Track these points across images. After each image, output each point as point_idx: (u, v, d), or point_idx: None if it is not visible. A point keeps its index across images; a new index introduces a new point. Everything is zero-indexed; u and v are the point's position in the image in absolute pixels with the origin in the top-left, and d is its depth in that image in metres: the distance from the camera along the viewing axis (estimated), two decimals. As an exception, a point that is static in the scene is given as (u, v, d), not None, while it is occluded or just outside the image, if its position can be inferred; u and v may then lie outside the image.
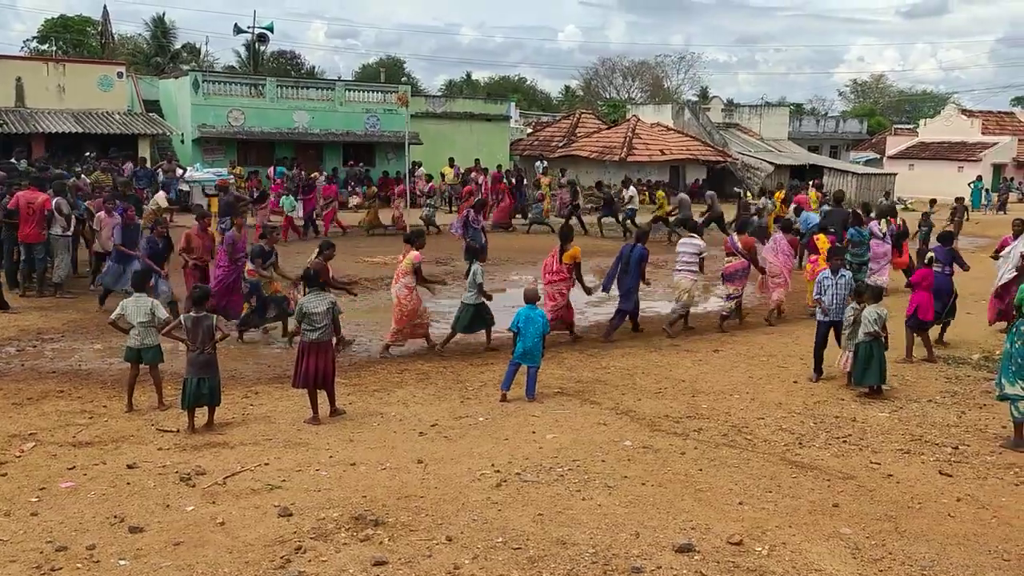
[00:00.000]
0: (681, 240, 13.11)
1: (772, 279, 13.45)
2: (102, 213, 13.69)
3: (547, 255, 12.16)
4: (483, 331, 11.35)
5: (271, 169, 27.68)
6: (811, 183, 30.23)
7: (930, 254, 11.62)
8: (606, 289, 12.48)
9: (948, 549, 5.67)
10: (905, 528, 5.97)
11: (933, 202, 26.21)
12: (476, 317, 11.11)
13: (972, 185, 37.89)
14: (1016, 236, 12.28)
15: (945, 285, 11.54)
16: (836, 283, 10.01)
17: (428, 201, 24.22)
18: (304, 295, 8.34)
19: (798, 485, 6.70)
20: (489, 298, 11.20)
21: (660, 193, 25.01)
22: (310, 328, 8.05)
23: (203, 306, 8.06)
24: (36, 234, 13.47)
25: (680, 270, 12.47)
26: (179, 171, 25.14)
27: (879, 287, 10.74)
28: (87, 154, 23.31)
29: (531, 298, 9.34)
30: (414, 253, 10.85)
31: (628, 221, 23.70)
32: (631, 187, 25.19)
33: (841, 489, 6.65)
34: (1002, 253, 12.44)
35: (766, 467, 7.08)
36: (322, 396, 8.20)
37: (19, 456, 7.02)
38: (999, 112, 52.70)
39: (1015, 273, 11.75)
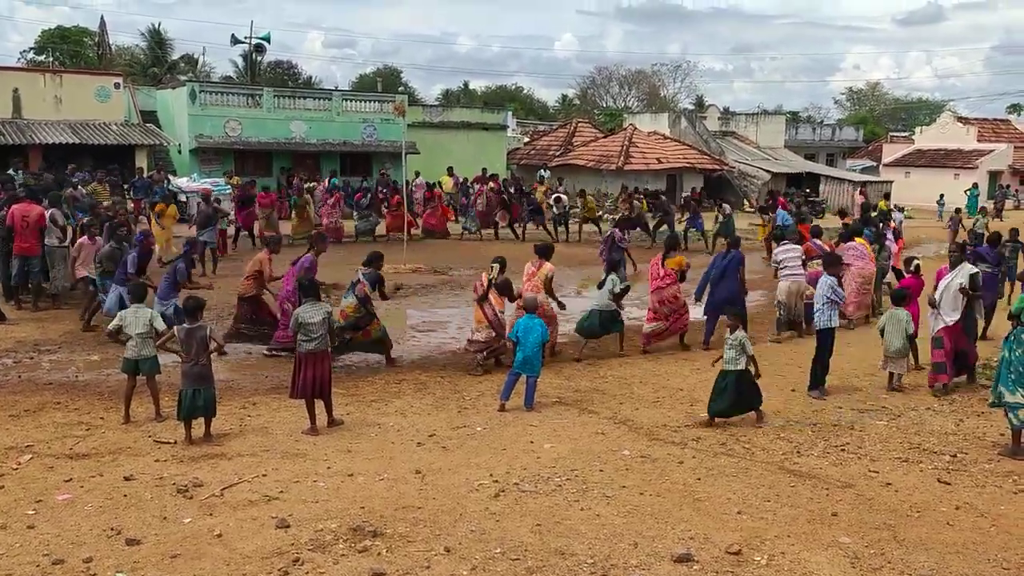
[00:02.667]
0: (782, 247, 13.22)
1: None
2: (84, 238, 13.16)
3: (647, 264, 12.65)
4: (604, 336, 11.81)
5: (325, 182, 27.13)
6: (859, 190, 31.24)
7: (917, 261, 11.68)
8: (698, 297, 12.50)
9: (947, 558, 5.66)
10: (904, 537, 5.96)
11: (958, 210, 26.61)
12: (602, 323, 11.51)
13: (968, 193, 38.01)
14: (953, 266, 10.18)
15: (991, 285, 12.25)
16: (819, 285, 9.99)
17: (469, 212, 24.56)
18: (300, 304, 8.33)
19: (796, 494, 6.70)
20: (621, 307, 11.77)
21: (589, 197, 25.71)
22: (306, 338, 8.04)
23: (196, 318, 8.05)
24: (32, 247, 13.40)
25: (787, 276, 12.75)
26: (165, 181, 24.97)
27: (740, 310, 10.09)
28: (70, 166, 23.20)
29: (530, 307, 9.35)
30: (549, 265, 11.26)
31: (559, 225, 24.67)
32: (561, 193, 26.03)
33: (840, 498, 6.64)
34: (939, 287, 10.17)
35: (764, 476, 7.08)
36: (320, 406, 8.18)
37: (16, 468, 7.00)
38: (995, 120, 52.90)
39: (957, 316, 9.87)
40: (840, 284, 9.96)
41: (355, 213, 23.94)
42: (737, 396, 8.52)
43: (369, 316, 10.68)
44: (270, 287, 11.51)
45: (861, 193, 30.80)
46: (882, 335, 10.18)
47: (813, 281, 12.49)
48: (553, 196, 25.58)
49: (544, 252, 11.49)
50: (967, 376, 10.30)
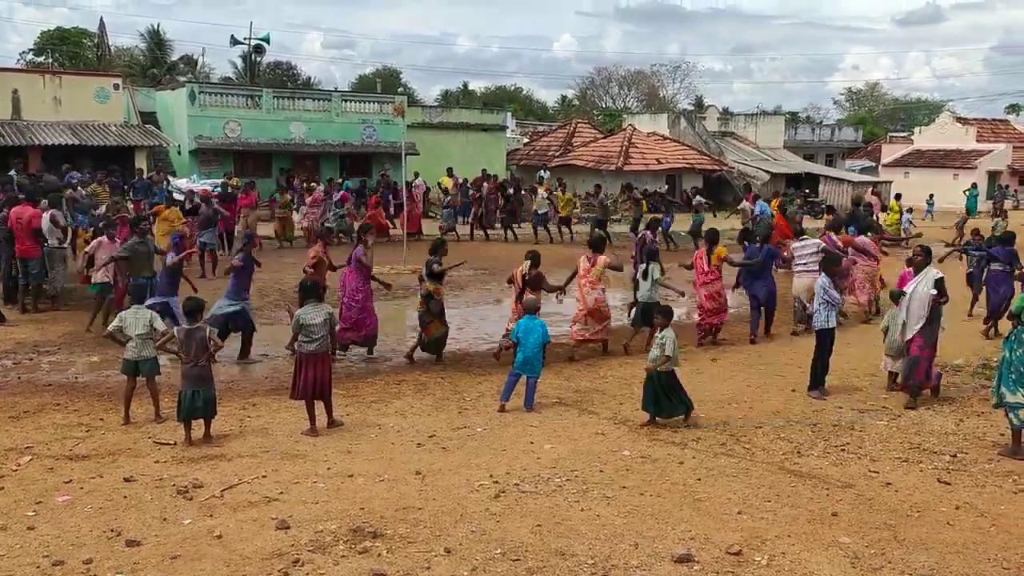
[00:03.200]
0: (800, 242, 13.42)
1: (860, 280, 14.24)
2: (103, 237, 12.75)
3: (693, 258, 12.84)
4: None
5: (324, 183, 27.40)
6: (871, 190, 31.59)
7: (918, 258, 11.62)
8: (746, 288, 13.05)
9: (947, 557, 5.66)
10: (904, 536, 5.96)
11: (970, 211, 26.73)
12: (647, 314, 11.48)
13: (967, 193, 38.00)
14: (918, 270, 9.66)
15: (1005, 282, 12.82)
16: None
17: (443, 212, 24.42)
18: (301, 306, 8.33)
19: (797, 494, 6.70)
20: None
21: (570, 195, 25.65)
22: (307, 340, 8.04)
23: (196, 318, 8.05)
24: (31, 248, 13.38)
25: (802, 272, 12.88)
26: (165, 182, 24.92)
27: (669, 308, 9.56)
28: (64, 166, 23.18)
29: (531, 308, 9.36)
30: (603, 258, 11.47)
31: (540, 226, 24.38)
32: (539, 190, 25.96)
33: (840, 498, 6.64)
34: (906, 290, 9.67)
35: (765, 476, 7.08)
36: (319, 407, 8.18)
37: (15, 470, 7.00)
38: (994, 120, 52.90)
39: (924, 320, 9.36)
40: (834, 286, 9.93)
41: (331, 214, 23.39)
42: (666, 398, 8.51)
43: (431, 314, 10.95)
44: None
45: (874, 193, 30.81)
46: (885, 335, 10.20)
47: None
48: (540, 197, 25.51)
49: (597, 246, 11.72)
50: (909, 394, 9.43)
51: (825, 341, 9.73)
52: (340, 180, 27.87)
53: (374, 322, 11.33)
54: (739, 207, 25.10)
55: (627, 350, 11.65)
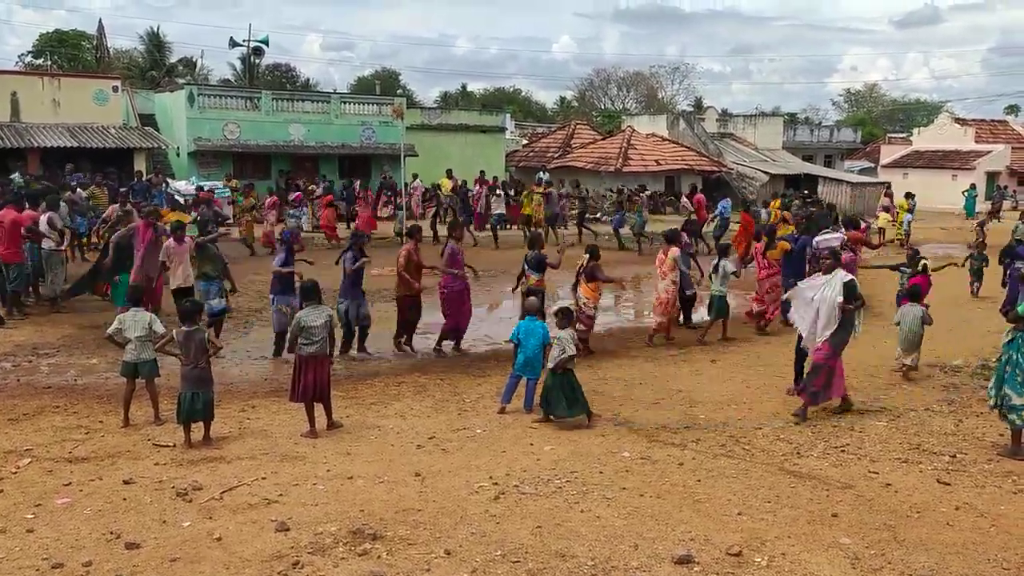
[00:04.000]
0: (822, 235, 13.74)
1: None
2: (171, 242, 11.73)
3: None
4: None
5: (357, 184, 28.19)
6: (884, 191, 31.74)
7: (924, 261, 11.67)
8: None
9: (947, 558, 5.66)
10: (904, 537, 5.96)
11: (990, 212, 26.83)
12: (720, 308, 12.51)
13: (966, 193, 38.03)
14: (826, 273, 9.11)
15: None
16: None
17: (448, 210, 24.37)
18: (302, 308, 8.33)
19: (796, 495, 6.69)
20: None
21: (535, 195, 25.01)
22: (307, 342, 8.03)
23: (195, 320, 8.05)
24: (12, 254, 12.98)
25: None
26: (164, 184, 24.85)
27: (569, 309, 9.80)
28: (68, 166, 23.16)
29: (531, 310, 9.35)
30: (675, 249, 12.27)
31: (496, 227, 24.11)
32: (498, 191, 25.79)
33: (840, 499, 6.64)
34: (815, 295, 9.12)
35: (764, 477, 7.07)
36: (319, 409, 8.18)
37: (15, 472, 6.99)
38: (992, 120, 52.90)
39: (834, 327, 8.86)
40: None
41: (288, 213, 23.06)
42: (565, 398, 8.50)
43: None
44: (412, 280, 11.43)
45: (887, 195, 30.82)
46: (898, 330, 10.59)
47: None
48: (496, 198, 25.29)
49: (672, 238, 12.56)
50: (806, 402, 8.96)
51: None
52: (357, 181, 28.03)
53: (466, 317, 11.77)
54: (681, 204, 25.45)
55: (702, 340, 12.46)
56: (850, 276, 9.10)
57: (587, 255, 11.66)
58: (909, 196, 27.96)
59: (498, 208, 24.85)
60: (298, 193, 24.04)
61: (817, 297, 8.97)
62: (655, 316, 12.58)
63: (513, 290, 12.04)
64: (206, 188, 23.36)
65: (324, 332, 8.08)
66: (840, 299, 8.76)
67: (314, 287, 8.44)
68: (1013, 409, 7.70)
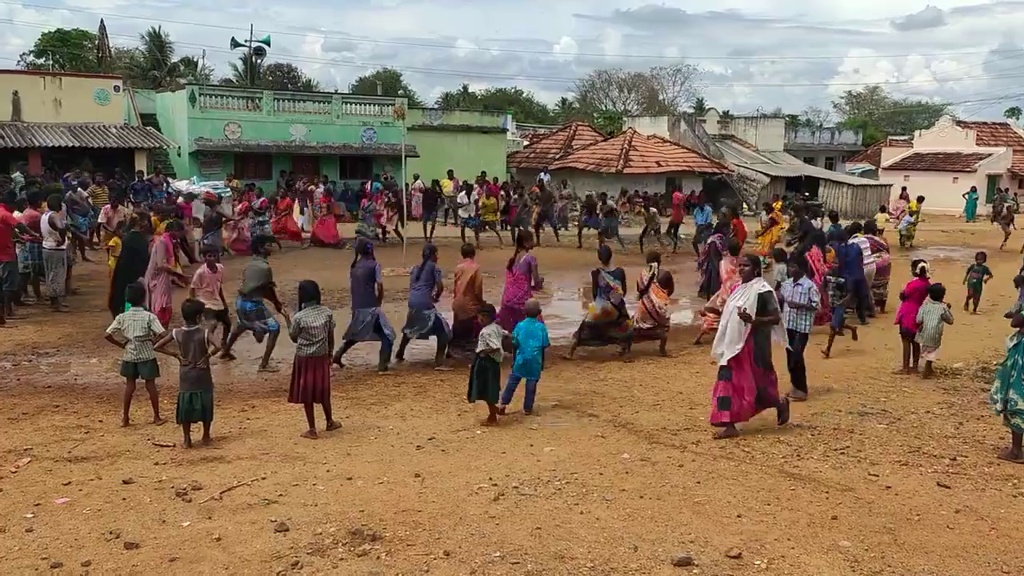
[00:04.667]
0: (853, 240, 14.80)
1: None
2: (204, 269, 10.95)
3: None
4: None
5: (368, 184, 28.15)
6: (900, 194, 32.03)
7: (922, 264, 11.60)
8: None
9: (947, 561, 5.65)
10: (904, 540, 5.95)
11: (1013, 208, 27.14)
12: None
13: (967, 196, 38.00)
14: (745, 280, 8.49)
15: None
16: (793, 291, 9.94)
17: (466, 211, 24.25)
18: (301, 309, 8.32)
19: (796, 497, 6.69)
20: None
21: (492, 201, 24.73)
22: (307, 343, 8.03)
23: (194, 320, 8.05)
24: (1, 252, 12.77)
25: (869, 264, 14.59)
26: (164, 184, 24.75)
27: (492, 307, 9.54)
28: (81, 167, 23.16)
29: (532, 312, 9.36)
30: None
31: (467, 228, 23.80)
32: (463, 192, 25.32)
33: (839, 501, 6.63)
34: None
35: (764, 480, 7.07)
36: (319, 410, 8.17)
37: (14, 472, 6.99)
38: (993, 123, 52.91)
39: (739, 344, 8.13)
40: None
41: (250, 221, 21.48)
42: (482, 384, 8.60)
43: (623, 316, 11.71)
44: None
45: (903, 197, 30.98)
46: (920, 328, 10.72)
47: (882, 270, 15.11)
48: (461, 199, 24.93)
49: (735, 248, 13.26)
50: (779, 415, 8.58)
51: (803, 344, 9.73)
52: (369, 183, 28.04)
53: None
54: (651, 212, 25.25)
55: (700, 342, 12.44)
56: (767, 288, 8.21)
57: (654, 262, 12.26)
58: (920, 199, 28.11)
59: (466, 212, 24.35)
60: (263, 199, 22.50)
61: (731, 308, 8.26)
62: (710, 317, 12.47)
63: (594, 296, 11.87)
64: (204, 189, 23.30)
65: (324, 333, 8.07)
66: (743, 305, 8.05)
67: (313, 287, 8.42)
68: (1018, 413, 7.67)
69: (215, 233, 17.75)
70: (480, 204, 24.34)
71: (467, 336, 10.85)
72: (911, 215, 27.23)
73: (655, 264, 12.24)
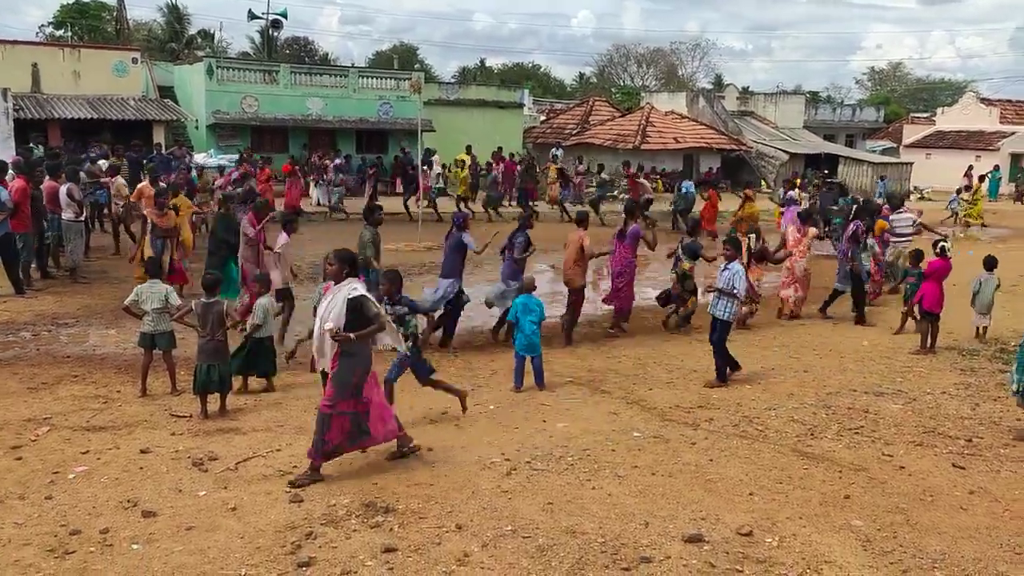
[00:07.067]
0: (899, 215, 15.18)
1: None
2: (284, 234, 10.48)
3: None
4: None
5: (342, 158, 27.73)
6: (965, 172, 31.68)
7: (943, 244, 11.42)
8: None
9: (959, 542, 5.64)
10: (916, 520, 5.94)
11: None
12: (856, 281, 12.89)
13: (989, 175, 37.51)
14: (337, 279, 6.57)
15: None
16: (720, 275, 9.47)
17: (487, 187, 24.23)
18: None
19: (809, 476, 6.68)
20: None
21: (462, 173, 24.38)
22: None
23: (214, 292, 8.11)
24: (17, 223, 12.72)
25: (895, 242, 14.72)
26: (187, 157, 24.80)
27: (266, 276, 9.57)
28: (132, 143, 23.16)
29: (529, 287, 9.35)
30: (813, 230, 13.15)
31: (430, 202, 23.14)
32: (435, 164, 24.94)
33: (852, 481, 6.62)
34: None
35: (777, 458, 7.06)
36: None
37: (34, 440, 7.09)
38: (1018, 101, 52.00)
39: (328, 355, 6.47)
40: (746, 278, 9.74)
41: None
42: (247, 357, 8.61)
43: (688, 291, 11.90)
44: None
45: (966, 175, 30.91)
46: (975, 297, 11.46)
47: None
48: (434, 173, 24.70)
49: (807, 217, 13.35)
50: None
51: (723, 332, 9.34)
52: (334, 156, 27.65)
53: (629, 299, 11.89)
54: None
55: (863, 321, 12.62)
56: (359, 292, 6.39)
57: (752, 236, 12.77)
58: (981, 179, 28.21)
59: (436, 183, 24.23)
60: (238, 170, 21.35)
61: (321, 313, 6.54)
62: (784, 292, 12.93)
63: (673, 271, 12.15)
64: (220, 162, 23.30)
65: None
66: (330, 324, 6.27)
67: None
68: None
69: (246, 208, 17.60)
70: (448, 178, 24.26)
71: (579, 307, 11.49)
72: (956, 194, 27.36)
73: (753, 236, 12.81)
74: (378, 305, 6.61)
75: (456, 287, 10.70)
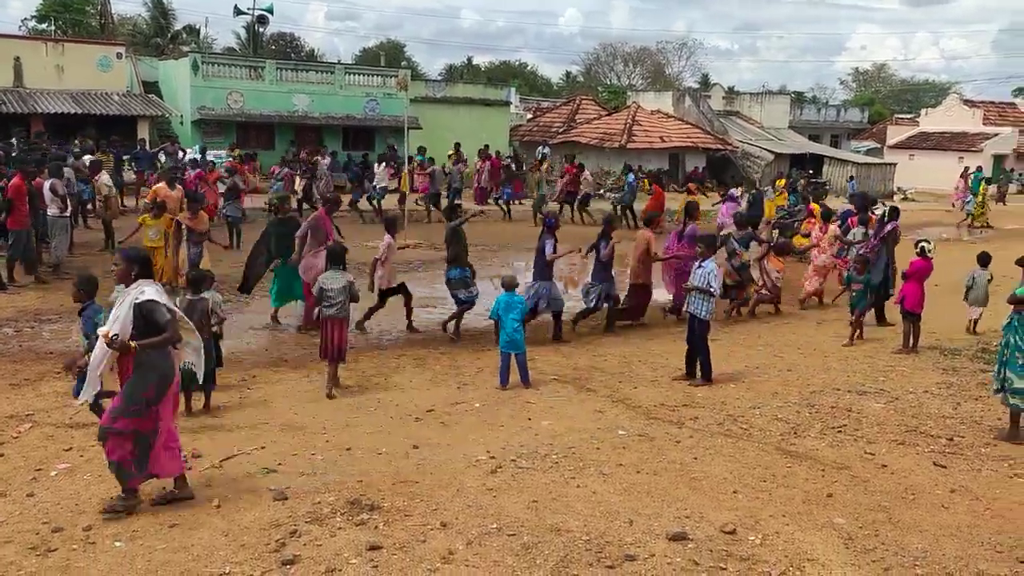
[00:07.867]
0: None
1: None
2: (388, 237, 10.93)
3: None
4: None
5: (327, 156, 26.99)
6: (962, 173, 32.39)
7: (923, 244, 11.43)
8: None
9: (941, 540, 5.69)
10: (898, 519, 5.99)
11: None
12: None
13: (972, 176, 37.82)
14: (125, 280, 5.90)
15: None
16: (694, 274, 9.33)
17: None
18: (326, 271, 8.74)
19: (792, 475, 6.72)
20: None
21: (404, 172, 23.75)
22: (327, 304, 8.48)
23: (200, 289, 8.08)
24: (13, 220, 12.82)
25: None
26: (180, 153, 24.81)
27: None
28: (140, 138, 22.91)
29: (510, 285, 9.37)
30: (833, 228, 13.85)
31: (375, 201, 22.63)
32: (381, 164, 24.10)
33: (835, 479, 6.66)
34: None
35: (761, 456, 7.10)
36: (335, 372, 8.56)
37: (16, 437, 7.04)
38: (1000, 103, 52.50)
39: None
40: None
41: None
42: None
43: (745, 280, 12.75)
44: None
45: (962, 176, 31.06)
46: (968, 291, 11.81)
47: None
48: (379, 172, 23.63)
49: (829, 216, 14.14)
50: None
51: (703, 331, 9.26)
52: (323, 153, 27.25)
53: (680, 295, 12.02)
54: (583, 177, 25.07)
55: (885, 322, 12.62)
56: (147, 297, 5.57)
57: (776, 230, 13.43)
58: (989, 182, 28.62)
59: (381, 182, 23.09)
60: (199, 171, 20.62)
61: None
62: (807, 282, 13.79)
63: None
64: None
65: (342, 296, 8.49)
66: (105, 328, 5.59)
67: (341, 252, 8.94)
68: (1016, 392, 7.69)
69: (233, 203, 17.55)
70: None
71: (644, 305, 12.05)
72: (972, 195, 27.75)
73: (777, 232, 13.44)
74: (173, 312, 5.71)
75: (549, 289, 11.04)
